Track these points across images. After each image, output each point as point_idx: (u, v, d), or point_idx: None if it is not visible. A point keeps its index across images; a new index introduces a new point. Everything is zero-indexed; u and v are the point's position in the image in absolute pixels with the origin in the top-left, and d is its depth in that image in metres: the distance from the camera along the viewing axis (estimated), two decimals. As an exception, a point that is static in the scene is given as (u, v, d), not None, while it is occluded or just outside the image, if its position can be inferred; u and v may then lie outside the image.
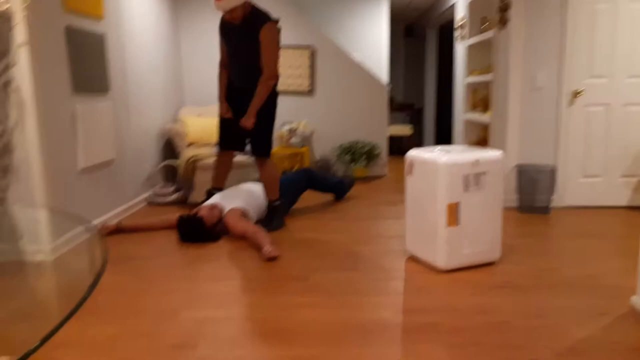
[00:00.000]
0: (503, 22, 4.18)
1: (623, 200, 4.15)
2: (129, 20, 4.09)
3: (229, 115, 3.57)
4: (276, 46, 3.36)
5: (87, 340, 2.03)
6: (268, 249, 2.93)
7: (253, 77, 3.38)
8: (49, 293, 1.96)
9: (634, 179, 4.11)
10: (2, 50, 2.43)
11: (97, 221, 3.47)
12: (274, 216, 3.61)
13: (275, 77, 3.40)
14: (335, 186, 4.46)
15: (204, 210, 3.34)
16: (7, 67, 2.48)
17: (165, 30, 4.99)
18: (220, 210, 3.41)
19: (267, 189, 3.61)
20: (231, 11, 3.26)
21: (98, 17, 3.54)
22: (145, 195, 4.37)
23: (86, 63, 3.36)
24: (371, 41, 6.80)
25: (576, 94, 4.03)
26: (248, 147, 3.67)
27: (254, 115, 3.39)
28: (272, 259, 2.91)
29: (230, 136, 3.64)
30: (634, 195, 4.11)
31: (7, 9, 2.53)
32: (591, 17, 3.95)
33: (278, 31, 3.37)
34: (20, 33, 2.70)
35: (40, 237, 2.66)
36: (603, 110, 4.06)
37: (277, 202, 3.62)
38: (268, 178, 3.59)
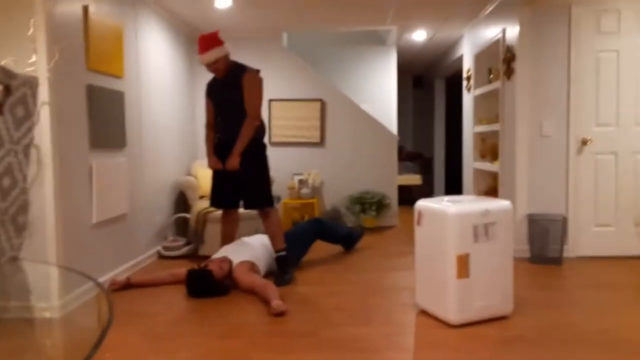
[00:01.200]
0: (509, 73, 4.28)
1: (636, 250, 4.06)
2: (147, 77, 4.27)
3: (219, 165, 3.61)
4: (258, 90, 3.51)
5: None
6: (277, 303, 2.90)
7: (240, 126, 3.47)
8: (55, 351, 1.96)
9: (647, 228, 4.05)
10: (26, 115, 2.54)
11: (108, 276, 3.48)
12: (285, 269, 3.56)
13: (258, 118, 3.50)
14: (345, 237, 4.45)
15: (213, 263, 3.34)
16: (29, 130, 2.58)
17: (182, 87, 5.18)
18: (230, 264, 3.40)
19: (273, 239, 3.61)
20: (215, 62, 3.46)
21: (119, 75, 3.70)
22: (156, 248, 4.40)
23: (105, 120, 3.48)
24: (380, 92, 6.95)
25: (585, 142, 4.05)
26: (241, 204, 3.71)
27: (238, 155, 3.45)
28: (280, 314, 2.87)
29: (222, 193, 3.67)
30: (648, 245, 4.03)
31: (31, 72, 2.66)
32: (595, 65, 4.03)
33: (260, 79, 3.53)
34: (43, 93, 2.83)
35: (49, 294, 2.68)
36: (612, 159, 4.06)
37: (284, 252, 3.59)
38: (272, 227, 3.60)
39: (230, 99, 3.51)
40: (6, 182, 2.45)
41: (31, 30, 2.78)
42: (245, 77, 3.48)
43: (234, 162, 3.46)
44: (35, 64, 2.79)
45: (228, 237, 3.78)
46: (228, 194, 3.67)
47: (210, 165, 3.69)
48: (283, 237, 3.63)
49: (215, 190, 3.73)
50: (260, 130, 3.60)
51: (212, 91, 3.67)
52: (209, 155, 3.70)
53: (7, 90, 2.44)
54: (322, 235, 4.22)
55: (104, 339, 1.38)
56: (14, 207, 2.50)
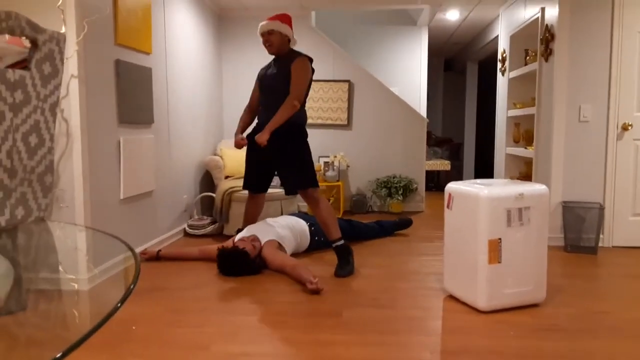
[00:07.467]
0: (547, 54, 4.10)
1: (677, 241, 3.88)
2: (175, 55, 4.25)
3: (243, 142, 3.49)
4: (305, 76, 3.37)
5: (117, 371, 2.01)
6: (313, 281, 2.88)
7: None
8: (79, 323, 1.97)
9: (691, 218, 3.86)
10: (53, 72, 2.49)
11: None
12: (345, 260, 3.34)
13: (300, 100, 3.34)
14: (379, 232, 4.33)
15: (245, 243, 3.33)
16: (56, 88, 2.53)
17: (209, 65, 5.16)
18: (260, 243, 3.39)
19: (326, 228, 3.39)
20: (270, 33, 3.37)
21: (147, 51, 3.69)
22: (181, 226, 4.42)
23: (133, 96, 3.48)
24: (410, 75, 6.81)
25: (625, 127, 3.87)
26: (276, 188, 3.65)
27: (269, 132, 3.28)
28: (317, 292, 2.88)
29: (256, 176, 3.59)
30: (692, 236, 3.84)
31: (60, 32, 2.61)
32: (639, 46, 3.81)
33: (310, 67, 3.40)
34: (72, 66, 2.83)
35: (78, 265, 2.71)
36: (654, 146, 3.87)
37: (341, 242, 3.38)
38: (323, 216, 3.39)
39: (276, 85, 3.41)
40: (33, 140, 2.39)
41: (60, 1, 2.77)
42: (295, 62, 3.35)
43: (263, 137, 3.27)
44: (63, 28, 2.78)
45: (251, 219, 3.74)
46: (260, 177, 3.59)
47: (236, 143, 3.59)
48: (337, 226, 3.41)
49: (248, 172, 3.64)
50: (301, 116, 3.44)
51: (263, 75, 3.56)
52: (236, 133, 3.65)
53: (34, 44, 2.36)
54: (350, 237, 3.97)
55: (128, 298, 1.35)
56: (41, 167, 2.46)
